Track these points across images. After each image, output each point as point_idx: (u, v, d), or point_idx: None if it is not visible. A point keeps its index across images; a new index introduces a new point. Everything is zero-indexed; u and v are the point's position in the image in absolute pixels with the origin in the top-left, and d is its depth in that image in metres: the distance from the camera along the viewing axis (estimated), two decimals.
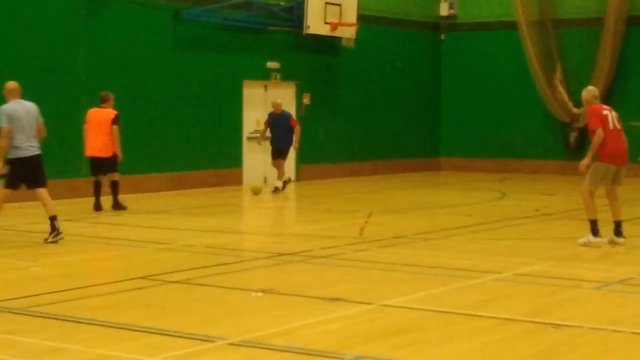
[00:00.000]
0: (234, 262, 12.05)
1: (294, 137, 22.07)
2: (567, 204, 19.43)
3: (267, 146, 22.77)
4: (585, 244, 13.05)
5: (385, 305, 9.17)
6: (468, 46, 29.49)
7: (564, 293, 10.04)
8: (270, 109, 22.42)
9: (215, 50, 23.19)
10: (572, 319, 8.63)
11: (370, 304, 9.23)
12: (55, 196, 19.50)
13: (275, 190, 21.81)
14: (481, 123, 29.17)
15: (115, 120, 17.49)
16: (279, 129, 21.99)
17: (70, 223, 15.75)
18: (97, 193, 17.64)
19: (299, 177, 25.38)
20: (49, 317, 8.55)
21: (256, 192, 21.32)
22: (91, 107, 18.23)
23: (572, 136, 27.56)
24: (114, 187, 17.67)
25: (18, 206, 18.37)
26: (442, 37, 29.92)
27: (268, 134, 22.26)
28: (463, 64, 29.57)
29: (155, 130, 21.70)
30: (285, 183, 22.14)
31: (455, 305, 9.21)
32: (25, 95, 19.43)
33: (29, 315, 8.69)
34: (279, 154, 22.10)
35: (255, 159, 24.30)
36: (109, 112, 17.61)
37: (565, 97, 27.33)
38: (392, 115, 28.35)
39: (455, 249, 13.18)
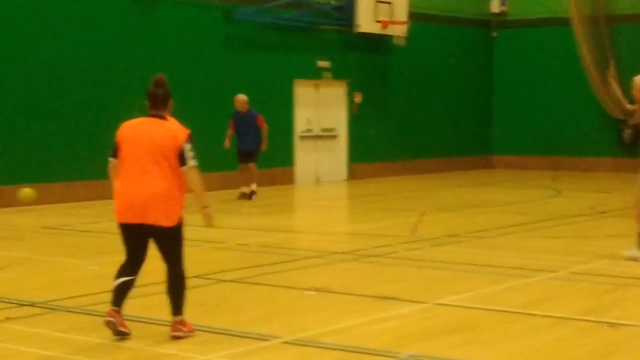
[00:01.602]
0: (287, 261, 12.08)
1: (264, 135, 20.03)
2: (623, 201, 19.21)
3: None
4: (631, 259, 11.64)
5: (439, 304, 9.14)
6: (520, 43, 29.28)
7: (620, 291, 9.94)
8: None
9: (266, 50, 23.26)
10: (629, 318, 8.55)
11: (423, 302, 9.21)
12: (108, 196, 19.76)
13: (244, 195, 20.00)
14: (534, 120, 28.95)
15: None
16: (244, 128, 20.01)
17: None
18: None
19: (350, 176, 25.37)
20: (104, 316, 8.62)
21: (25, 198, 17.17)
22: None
23: (626, 133, 27.17)
24: None
25: (74, 206, 18.61)
26: (494, 34, 29.74)
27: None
28: (515, 61, 29.36)
29: (207, 129, 21.79)
30: (252, 193, 20.01)
31: (510, 304, 9.16)
32: (78, 96, 19.77)
33: (85, 313, 8.79)
34: (246, 157, 20.04)
35: (307, 157, 24.34)
36: None
37: (619, 93, 26.86)
38: (443, 113, 28.25)
39: (509, 248, 13.10)
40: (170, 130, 7.81)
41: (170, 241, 7.96)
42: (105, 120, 19.95)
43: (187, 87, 21.19)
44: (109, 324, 7.68)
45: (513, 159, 29.39)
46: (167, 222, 7.79)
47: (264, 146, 20.06)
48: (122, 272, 7.97)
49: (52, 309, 9.01)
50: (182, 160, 7.72)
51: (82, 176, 19.47)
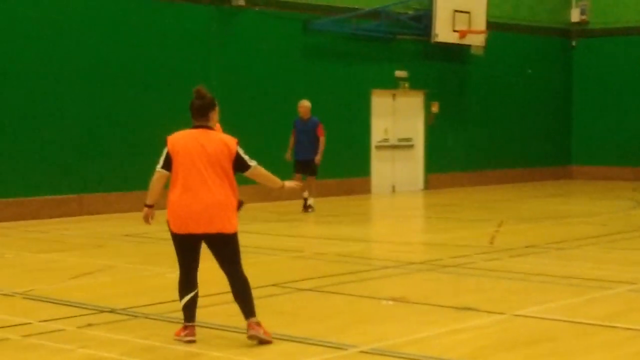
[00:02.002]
0: (364, 271, 12.08)
1: (320, 147, 19.07)
2: None
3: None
4: None
5: (518, 315, 9.06)
6: (600, 52, 28.91)
7: None
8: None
9: (343, 60, 23.32)
10: None
11: (502, 313, 9.14)
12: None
13: (308, 208, 19.21)
14: (614, 130, 28.54)
15: None
16: (304, 137, 19.09)
17: None
18: None
19: (427, 186, 25.29)
20: (185, 334, 8.71)
21: None
22: (223, 118, 18.49)
23: None
24: None
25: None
26: (573, 43, 29.40)
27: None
28: (595, 71, 29.00)
29: (285, 139, 21.91)
30: (308, 207, 19.28)
31: (590, 316, 9.04)
32: (158, 106, 20.04)
33: (165, 321, 8.88)
34: (303, 167, 19.08)
35: (384, 167, 24.32)
36: None
37: None
38: (522, 123, 28.01)
39: (589, 259, 12.94)
40: (222, 140, 8.06)
41: (232, 247, 8.13)
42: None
43: (265, 97, 21.33)
44: (190, 342, 7.86)
45: (593, 170, 29.01)
46: (230, 228, 7.95)
47: (318, 159, 19.01)
48: (184, 288, 8.08)
49: (133, 315, 9.13)
50: (242, 165, 7.96)
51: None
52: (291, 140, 19.18)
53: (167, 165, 7.99)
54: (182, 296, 8.06)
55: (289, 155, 19.14)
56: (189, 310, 7.99)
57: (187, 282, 8.09)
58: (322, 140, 19.00)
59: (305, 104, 19.14)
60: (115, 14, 19.25)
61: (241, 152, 8.02)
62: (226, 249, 8.07)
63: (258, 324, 7.86)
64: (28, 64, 18.06)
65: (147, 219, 8.24)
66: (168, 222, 8.03)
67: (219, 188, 7.85)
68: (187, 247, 8.04)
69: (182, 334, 7.95)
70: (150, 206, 8.20)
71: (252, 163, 8.03)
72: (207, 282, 11.10)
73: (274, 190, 8.37)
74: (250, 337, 7.80)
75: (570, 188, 26.74)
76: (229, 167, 7.91)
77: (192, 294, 8.05)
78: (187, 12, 20.36)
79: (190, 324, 7.94)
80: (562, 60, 29.33)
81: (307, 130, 18.99)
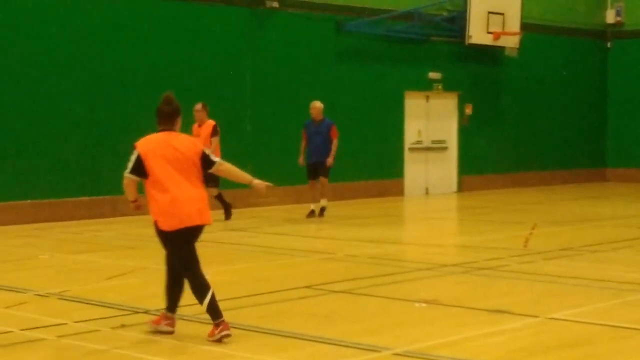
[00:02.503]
0: (396, 273, 12.06)
1: (332, 149, 18.30)
2: None
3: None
4: None
5: (552, 319, 9.00)
6: (635, 54, 28.68)
7: None
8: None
9: (377, 61, 23.30)
10: None
11: (536, 316, 9.09)
12: (220, 205, 20.01)
13: (312, 214, 18.42)
14: None
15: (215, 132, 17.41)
16: (316, 139, 18.35)
17: (233, 232, 16.15)
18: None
19: (460, 188, 25.22)
20: (222, 334, 8.73)
21: None
22: (256, 120, 18.62)
23: None
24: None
25: None
26: (609, 45, 29.21)
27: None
28: (630, 72, 28.77)
29: None
30: (322, 210, 18.50)
31: (625, 319, 8.97)
32: (192, 108, 20.03)
33: (198, 322, 8.89)
34: (315, 170, 18.35)
35: (417, 169, 24.27)
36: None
37: None
38: (556, 125, 27.86)
39: (624, 262, 12.84)
40: (190, 139, 8.56)
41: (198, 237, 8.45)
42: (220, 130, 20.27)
43: (298, 99, 21.34)
44: (226, 337, 8.00)
45: (628, 172, 28.78)
46: (210, 219, 8.39)
47: (330, 161, 18.19)
48: (202, 288, 8.30)
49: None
50: (208, 162, 8.37)
51: None
52: (302, 144, 18.45)
53: (137, 170, 8.25)
54: (206, 293, 8.22)
55: (301, 160, 18.47)
56: (214, 307, 8.16)
57: (202, 275, 8.37)
58: (336, 142, 18.25)
59: (317, 105, 18.45)
60: (149, 17, 19.35)
61: (206, 150, 8.46)
62: (196, 241, 8.43)
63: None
64: (64, 68, 18.18)
65: (140, 208, 8.58)
66: (157, 224, 8.31)
67: (198, 183, 8.32)
68: (185, 241, 8.31)
69: (216, 331, 8.00)
70: (134, 201, 8.54)
71: (216, 159, 8.43)
72: (237, 284, 11.15)
73: (244, 181, 8.64)
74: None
75: (604, 190, 26.56)
76: (199, 164, 8.32)
77: (213, 291, 8.26)
78: (221, 14, 20.43)
79: (220, 319, 8.05)
80: (597, 61, 29.14)
81: (320, 132, 18.26)
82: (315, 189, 18.36)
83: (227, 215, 17.86)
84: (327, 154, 18.14)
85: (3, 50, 17.54)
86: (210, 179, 16.76)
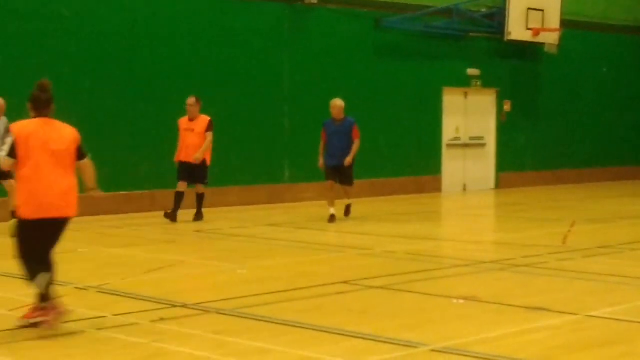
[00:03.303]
0: (434, 269, 12.03)
1: (353, 150, 17.03)
2: None
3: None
4: None
5: (591, 316, 8.95)
6: None
7: None
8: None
9: (415, 57, 23.25)
10: None
11: (575, 314, 9.04)
12: (258, 201, 20.09)
13: (332, 218, 16.92)
14: None
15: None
16: (338, 139, 17.05)
17: (270, 228, 16.20)
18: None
19: (498, 185, 25.11)
20: (255, 319, 8.78)
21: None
22: (294, 116, 18.63)
23: None
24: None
25: (224, 211, 18.98)
26: None
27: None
28: None
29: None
30: (347, 208, 17.48)
31: None
32: (230, 104, 20.08)
33: (236, 316, 8.94)
34: (335, 173, 17.06)
35: (455, 166, 24.20)
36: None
37: None
38: (596, 122, 27.65)
39: None
40: (69, 128, 8.57)
41: (64, 231, 8.48)
42: (254, 128, 20.34)
43: (337, 95, 21.33)
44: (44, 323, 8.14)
45: None
46: (74, 212, 8.45)
47: (348, 160, 16.91)
48: (38, 268, 8.25)
49: (205, 310, 9.20)
50: (81, 153, 8.57)
51: (231, 182, 19.85)
52: (321, 145, 17.14)
53: (13, 152, 8.23)
54: (36, 276, 8.21)
55: (322, 162, 17.13)
56: (48, 290, 8.22)
57: (42, 262, 8.30)
58: (357, 143, 16.98)
59: (338, 104, 17.20)
60: (187, 13, 19.42)
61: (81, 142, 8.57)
62: (61, 233, 8.44)
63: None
64: (101, 64, 18.30)
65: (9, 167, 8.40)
66: (18, 211, 8.27)
67: (70, 174, 8.41)
68: (42, 233, 8.30)
69: (36, 314, 8.17)
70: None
71: (87, 154, 8.67)
72: (275, 279, 11.18)
73: (91, 184, 8.90)
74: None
75: None
76: (74, 154, 8.48)
77: (50, 274, 8.30)
78: (260, 10, 20.47)
79: (46, 303, 8.19)
80: (637, 58, 28.87)
81: (341, 131, 16.97)
82: (333, 191, 17.05)
83: (198, 216, 17.28)
84: (348, 157, 16.90)
85: (44, 46, 17.68)
86: (205, 177, 17.07)
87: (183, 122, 17.09)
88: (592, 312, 9.08)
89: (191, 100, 17.03)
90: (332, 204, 16.91)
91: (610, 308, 9.31)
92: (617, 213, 19.39)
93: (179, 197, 16.95)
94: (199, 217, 17.20)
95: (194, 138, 16.89)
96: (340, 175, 17.02)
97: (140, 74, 18.76)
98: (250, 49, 20.29)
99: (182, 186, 16.96)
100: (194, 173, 16.94)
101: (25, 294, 8.83)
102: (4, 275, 11.29)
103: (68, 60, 17.90)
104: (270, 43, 20.62)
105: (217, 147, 19.24)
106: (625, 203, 21.90)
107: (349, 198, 17.41)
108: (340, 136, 16.98)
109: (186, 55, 19.36)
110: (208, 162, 17.03)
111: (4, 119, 14.91)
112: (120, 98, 18.54)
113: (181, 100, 17.97)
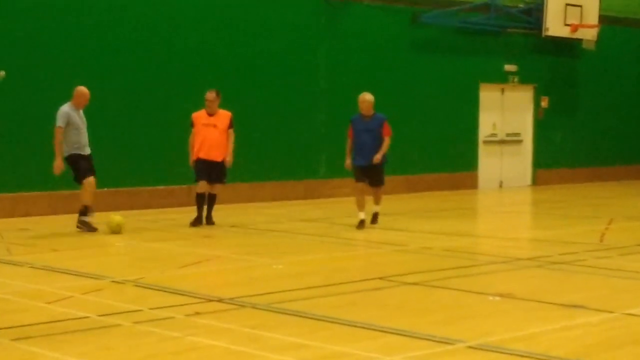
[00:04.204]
0: (470, 266, 12.00)
1: (382, 148, 15.48)
2: None
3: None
4: None
5: (628, 314, 8.88)
6: None
7: None
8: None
9: (452, 53, 23.17)
10: None
11: (611, 312, 8.97)
12: (294, 196, 20.13)
13: (361, 224, 15.50)
14: None
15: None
16: (366, 137, 15.53)
17: (307, 223, 16.21)
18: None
19: (535, 182, 24.98)
20: (290, 314, 8.79)
21: (115, 229, 14.78)
22: (330, 111, 18.61)
23: None
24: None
25: (259, 206, 19.02)
26: None
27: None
28: None
29: (396, 132, 21.91)
30: (375, 216, 15.96)
31: None
32: (265, 99, 20.10)
33: (271, 311, 8.95)
34: (364, 174, 15.60)
35: (491, 162, 24.10)
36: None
37: None
38: (634, 119, 27.42)
39: None
40: None
41: None
42: (290, 123, 20.37)
43: (373, 90, 21.27)
44: None
45: None
46: None
47: (378, 157, 15.35)
48: None
49: (240, 305, 9.22)
50: None
51: (266, 177, 19.89)
52: (348, 142, 15.77)
53: None
54: None
55: (348, 162, 15.74)
56: None
57: None
58: (388, 141, 15.53)
59: (367, 98, 15.71)
60: (224, 6, 19.48)
61: None
62: None
63: None
64: (131, 59, 18.38)
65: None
66: None
67: None
68: None
69: None
70: None
71: None
72: (310, 274, 11.19)
73: None
74: None
75: None
76: None
77: None
78: (296, 5, 20.49)
79: None
80: None
81: (371, 129, 15.49)
82: (363, 194, 15.57)
83: (196, 222, 15.87)
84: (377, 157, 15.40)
85: (74, 41, 17.80)
86: (225, 176, 15.95)
87: (201, 117, 15.85)
88: (629, 310, 9.02)
89: (212, 94, 15.80)
90: (362, 208, 15.49)
91: None
92: None
93: (202, 199, 15.83)
94: (210, 220, 15.95)
95: (217, 134, 15.71)
96: (370, 175, 15.56)
97: (174, 69, 18.81)
98: (287, 43, 20.31)
99: (204, 186, 15.80)
100: (213, 172, 15.80)
101: (62, 286, 8.91)
102: (41, 269, 11.39)
103: (94, 58, 17.99)
104: (307, 38, 20.64)
105: (252, 142, 19.33)
106: None
107: (377, 203, 15.87)
108: (369, 134, 15.46)
109: (222, 49, 19.41)
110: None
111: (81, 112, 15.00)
112: (154, 92, 18.60)
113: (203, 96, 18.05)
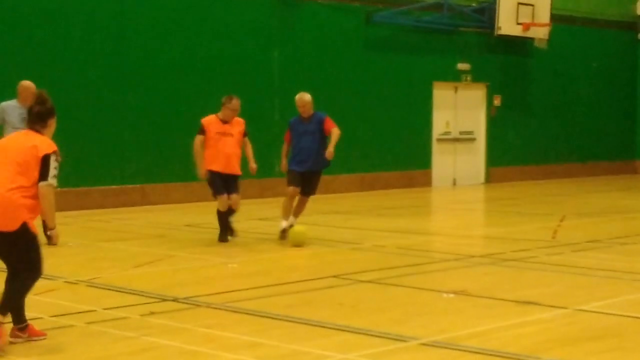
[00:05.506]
0: (424, 263, 12.05)
1: (332, 140, 13.66)
2: None
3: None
4: None
5: (581, 310, 8.97)
6: None
7: None
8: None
9: (405, 52, 23.25)
10: None
11: (564, 308, 9.06)
12: (250, 195, 20.06)
13: (284, 234, 13.86)
14: None
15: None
16: (305, 140, 13.90)
17: (260, 222, 16.19)
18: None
19: (488, 179, 25.14)
20: (245, 313, 8.78)
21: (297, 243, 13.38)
22: (285, 110, 18.61)
23: None
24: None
25: (212, 205, 18.97)
26: (639, 37, 28.99)
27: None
28: None
29: (346, 131, 21.91)
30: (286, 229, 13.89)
31: None
32: (219, 98, 20.00)
33: (226, 310, 8.94)
34: (300, 180, 13.88)
35: (445, 160, 24.22)
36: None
37: None
38: (585, 117, 27.71)
39: None
40: (34, 141, 7.51)
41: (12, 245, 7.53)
42: (248, 120, 20.30)
43: (327, 89, 21.33)
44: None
45: None
46: (14, 227, 7.42)
47: (330, 151, 13.60)
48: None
49: (195, 304, 9.20)
50: (42, 173, 7.41)
51: None
52: (284, 148, 14.28)
53: None
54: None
55: (284, 165, 14.13)
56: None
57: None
58: (337, 131, 13.79)
59: (307, 99, 14.05)
60: (178, 6, 19.38)
61: (52, 161, 7.47)
62: (7, 247, 7.47)
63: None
64: (88, 57, 18.26)
65: None
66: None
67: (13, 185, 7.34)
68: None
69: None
70: None
71: (51, 180, 7.43)
72: (265, 273, 11.19)
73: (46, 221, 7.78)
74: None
75: (634, 183, 26.39)
76: (34, 167, 7.39)
77: None
78: (250, 4, 20.45)
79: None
80: (627, 54, 28.95)
81: (312, 131, 13.90)
82: (293, 201, 14.00)
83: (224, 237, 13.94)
84: (321, 161, 13.84)
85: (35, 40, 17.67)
86: (239, 186, 13.88)
87: (214, 124, 13.85)
88: (582, 306, 9.10)
89: (237, 103, 14.00)
90: (287, 216, 13.95)
91: (600, 302, 9.34)
92: (607, 207, 19.43)
93: (225, 216, 13.89)
94: (231, 230, 14.15)
95: (233, 144, 13.85)
96: (307, 183, 13.90)
97: (126, 67, 18.68)
98: (241, 43, 20.26)
99: (225, 202, 13.77)
100: (231, 185, 13.83)
101: None
102: None
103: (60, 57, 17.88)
104: (261, 37, 20.60)
105: None
106: (614, 197, 21.95)
107: (298, 216, 14.08)
108: (310, 136, 13.84)
109: (174, 47, 19.31)
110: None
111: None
112: (109, 90, 18.48)
113: (166, 93, 17.94)
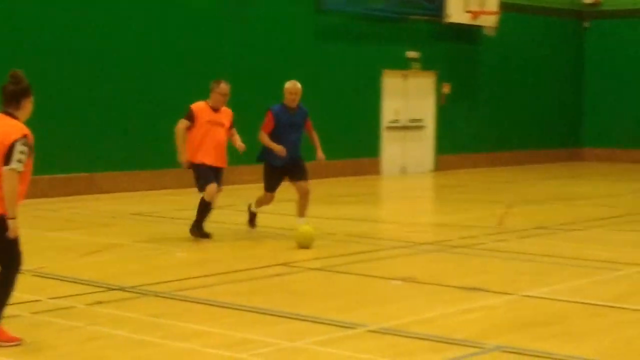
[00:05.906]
0: (373, 251, 12.09)
1: (316, 141, 13.59)
2: None
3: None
4: None
5: (527, 296, 9.07)
6: (612, 34, 28.77)
7: None
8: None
9: (355, 40, 23.26)
10: None
11: (511, 294, 9.15)
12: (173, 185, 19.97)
13: (253, 221, 13.67)
14: (627, 113, 28.42)
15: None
16: (290, 131, 13.03)
17: (213, 210, 16.12)
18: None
19: (437, 167, 25.25)
20: (193, 302, 8.76)
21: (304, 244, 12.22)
22: (235, 98, 18.56)
23: None
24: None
25: (162, 194, 18.87)
26: (586, 25, 29.27)
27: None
28: (607, 53, 28.86)
29: None
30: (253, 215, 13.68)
31: (599, 297, 9.04)
32: (169, 86, 19.88)
33: (174, 299, 8.91)
34: (286, 171, 13.16)
35: (394, 148, 24.28)
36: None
37: None
38: (533, 105, 27.94)
39: (598, 241, 12.92)
40: (4, 127, 7.20)
41: None
42: None
43: (277, 77, 21.23)
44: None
45: (604, 152, 28.91)
46: None
47: (320, 154, 13.67)
48: None
49: (142, 293, 9.15)
50: (7, 158, 7.14)
51: (169, 164, 19.70)
52: (265, 136, 12.98)
53: None
54: None
55: (281, 149, 12.84)
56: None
57: None
58: (315, 135, 13.65)
59: (299, 87, 13.25)
60: None
61: (17, 145, 7.13)
62: None
63: None
64: (40, 44, 18.05)
65: None
66: None
67: None
68: None
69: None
70: None
71: (14, 165, 7.13)
72: (213, 262, 11.16)
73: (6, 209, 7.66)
74: None
75: (581, 170, 26.69)
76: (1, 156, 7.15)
77: None
78: None
79: None
80: (574, 41, 29.21)
81: (297, 123, 13.17)
82: (270, 201, 13.54)
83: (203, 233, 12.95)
84: (299, 151, 13.24)
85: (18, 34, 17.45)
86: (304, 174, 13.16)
87: (204, 111, 12.99)
88: (528, 292, 9.20)
89: (226, 87, 13.18)
90: (258, 204, 13.61)
91: (546, 288, 9.44)
92: (553, 194, 19.61)
93: (211, 208, 13.03)
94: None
95: (223, 135, 13.04)
96: (295, 171, 13.13)
97: (73, 56, 18.49)
98: (190, 30, 20.12)
99: (214, 192, 12.94)
100: (217, 177, 13.03)
101: None
102: None
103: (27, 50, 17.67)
104: (211, 25, 20.47)
105: (158, 130, 19.11)
106: (559, 185, 22.17)
107: (303, 215, 13.22)
108: (295, 128, 13.09)
109: (123, 35, 19.12)
110: None
111: None
112: (53, 77, 18.29)
113: (114, 81, 17.76)
